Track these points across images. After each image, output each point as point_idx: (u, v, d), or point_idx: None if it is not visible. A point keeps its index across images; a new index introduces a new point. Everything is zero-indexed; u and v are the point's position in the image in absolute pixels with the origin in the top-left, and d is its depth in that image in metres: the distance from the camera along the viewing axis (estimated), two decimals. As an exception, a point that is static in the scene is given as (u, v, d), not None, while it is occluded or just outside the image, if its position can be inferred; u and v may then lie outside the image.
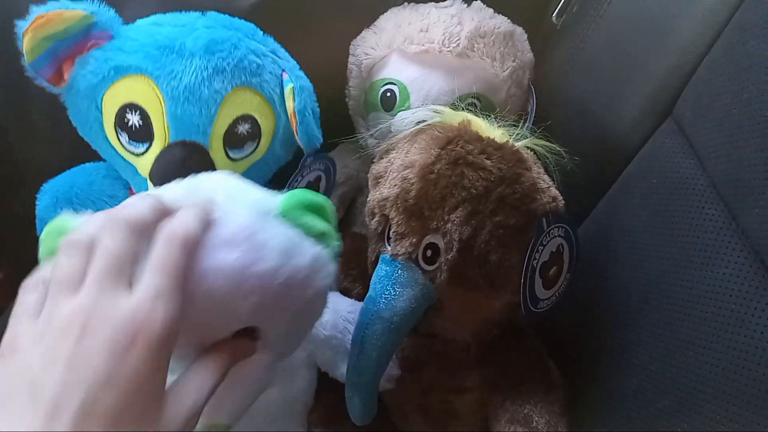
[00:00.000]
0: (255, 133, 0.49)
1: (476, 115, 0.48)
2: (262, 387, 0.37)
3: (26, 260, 0.57)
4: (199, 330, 0.32)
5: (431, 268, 0.44)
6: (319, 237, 0.37)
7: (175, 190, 0.35)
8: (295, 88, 0.49)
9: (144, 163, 0.47)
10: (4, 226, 0.63)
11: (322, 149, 0.54)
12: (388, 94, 0.60)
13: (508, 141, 0.45)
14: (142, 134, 0.47)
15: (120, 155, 0.49)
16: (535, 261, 0.43)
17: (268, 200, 0.36)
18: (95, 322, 0.26)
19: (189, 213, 0.31)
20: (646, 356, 0.44)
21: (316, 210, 0.37)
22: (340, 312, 0.52)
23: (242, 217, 0.33)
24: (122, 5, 0.50)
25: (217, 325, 0.32)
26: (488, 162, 0.42)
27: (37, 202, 0.53)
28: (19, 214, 0.57)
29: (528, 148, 0.47)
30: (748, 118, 0.40)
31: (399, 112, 0.59)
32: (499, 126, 0.47)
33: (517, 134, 0.47)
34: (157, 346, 0.26)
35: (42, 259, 0.33)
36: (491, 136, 0.45)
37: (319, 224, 0.37)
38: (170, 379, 0.32)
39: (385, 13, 0.64)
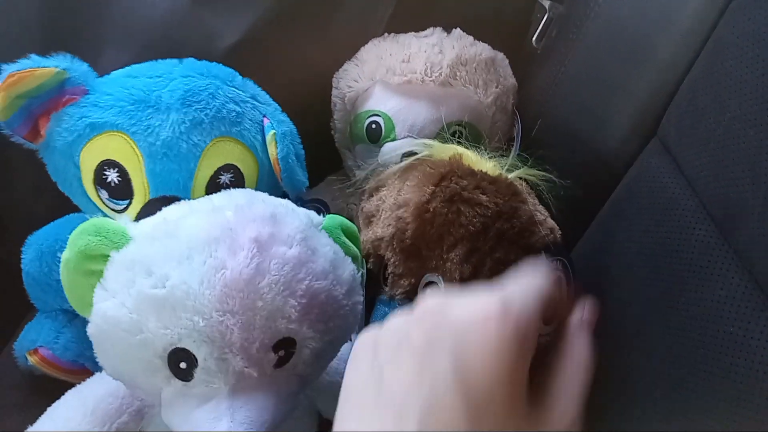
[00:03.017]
0: (238, 181, 0.49)
1: (466, 147, 0.47)
2: (282, 415, 0.37)
3: (8, 305, 0.57)
4: (247, 331, 0.33)
5: None
6: (353, 260, 0.40)
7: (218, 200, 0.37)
8: (276, 134, 0.49)
9: (126, 220, 0.46)
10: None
11: (309, 183, 0.54)
12: (373, 126, 0.60)
13: (501, 174, 0.44)
14: (122, 191, 0.46)
15: (101, 211, 0.48)
16: None
17: (314, 215, 0.39)
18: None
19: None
20: (648, 382, 0.43)
21: (350, 235, 0.41)
22: (342, 355, 0.51)
23: (297, 221, 0.36)
24: (97, 56, 0.49)
25: (267, 325, 0.33)
26: (484, 197, 0.41)
27: (22, 256, 0.52)
28: (3, 260, 0.56)
29: (521, 178, 0.46)
30: (732, 137, 0.39)
31: (385, 143, 0.59)
32: (490, 157, 0.46)
33: (509, 165, 0.46)
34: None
35: (67, 258, 0.34)
36: (484, 169, 0.44)
37: (354, 248, 0.40)
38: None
39: (366, 45, 0.64)
